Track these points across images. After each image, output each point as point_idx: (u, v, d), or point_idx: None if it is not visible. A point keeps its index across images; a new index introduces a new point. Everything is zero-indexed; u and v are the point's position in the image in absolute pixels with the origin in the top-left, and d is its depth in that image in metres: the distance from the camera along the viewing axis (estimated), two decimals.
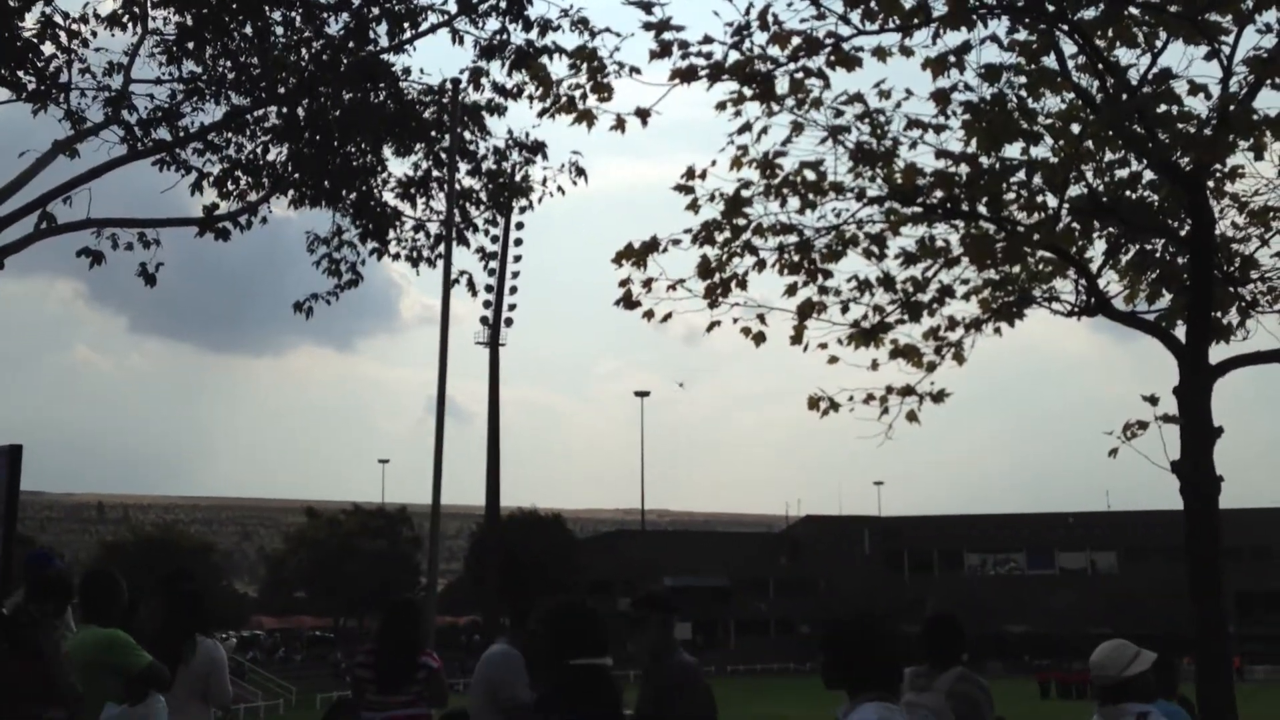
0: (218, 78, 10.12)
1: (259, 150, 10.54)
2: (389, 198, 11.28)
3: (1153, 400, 8.41)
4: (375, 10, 9.72)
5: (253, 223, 10.50)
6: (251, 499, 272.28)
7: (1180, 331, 8.38)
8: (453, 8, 9.81)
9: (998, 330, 9.50)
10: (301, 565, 74.65)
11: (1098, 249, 9.18)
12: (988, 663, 75.68)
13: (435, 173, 11.36)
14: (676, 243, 8.47)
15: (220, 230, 10.23)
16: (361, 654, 7.38)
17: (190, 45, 9.80)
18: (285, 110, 10.19)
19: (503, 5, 9.70)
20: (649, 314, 8.79)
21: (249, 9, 9.43)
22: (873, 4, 7.31)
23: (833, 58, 7.55)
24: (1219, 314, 8.85)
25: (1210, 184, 8.55)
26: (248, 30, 9.78)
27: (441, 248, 11.82)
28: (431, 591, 12.84)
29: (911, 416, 9.41)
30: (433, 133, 11.12)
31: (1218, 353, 8.46)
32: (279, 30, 9.99)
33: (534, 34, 9.83)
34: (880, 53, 7.86)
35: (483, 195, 11.63)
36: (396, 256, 11.55)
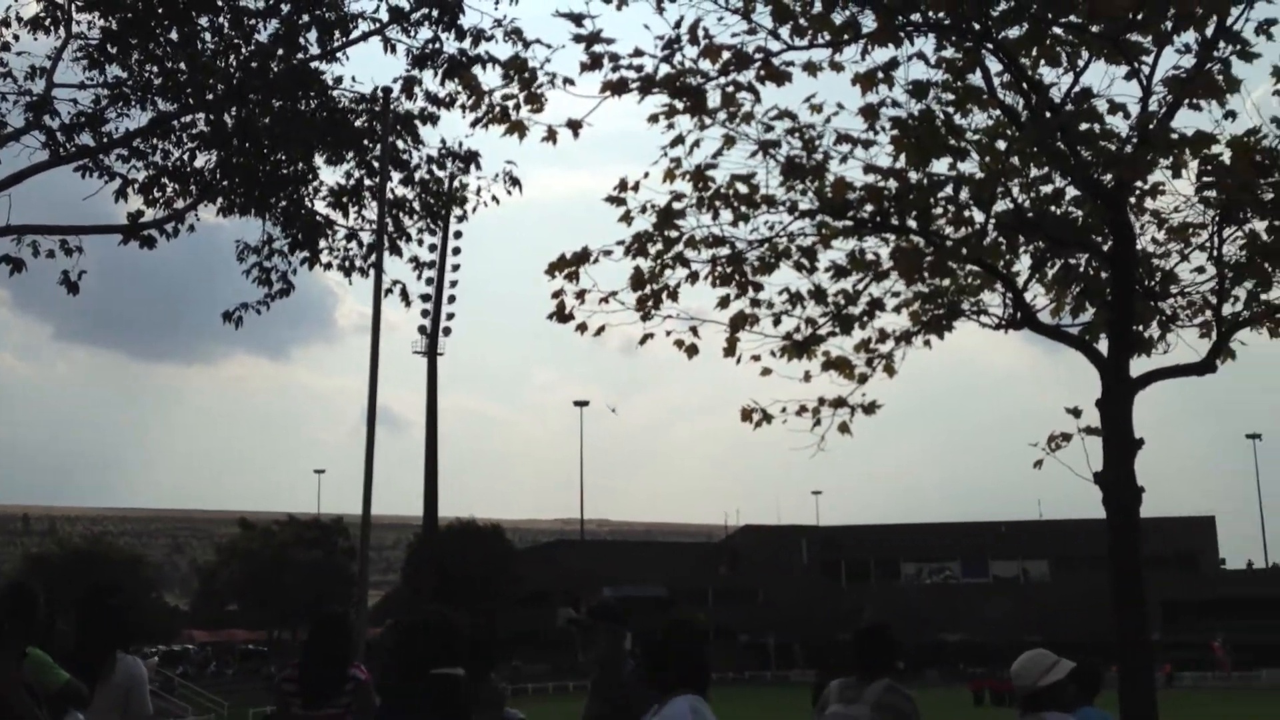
0: (143, 83, 9.93)
1: (186, 157, 10.36)
2: (321, 206, 11.16)
3: (1076, 413, 8.55)
4: (305, 18, 9.60)
5: (179, 230, 10.31)
6: (183, 510, 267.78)
7: (1103, 345, 8.53)
8: (384, 16, 9.73)
9: (927, 343, 9.62)
10: (234, 577, 73.42)
11: (1024, 263, 9.34)
12: (925, 671, 76.45)
13: (368, 181, 11.25)
14: (608, 254, 8.47)
15: (145, 238, 10.04)
16: (289, 667, 7.24)
17: (115, 50, 9.60)
18: (213, 117, 10.02)
19: (435, 14, 9.62)
20: (581, 327, 8.78)
21: (175, 14, 9.26)
22: (802, 21, 7.37)
23: (763, 72, 7.60)
24: (1140, 327, 9.02)
25: (1132, 200, 8.72)
26: (174, 36, 9.61)
27: (374, 257, 11.70)
28: (362, 603, 12.68)
29: (843, 428, 9.48)
30: (365, 141, 11.01)
31: (1139, 365, 8.64)
32: (206, 36, 9.83)
33: (467, 43, 9.78)
34: (811, 68, 7.93)
35: (416, 205, 11.53)
36: (329, 266, 11.42)
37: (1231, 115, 7.54)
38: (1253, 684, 65.71)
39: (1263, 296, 8.35)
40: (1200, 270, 8.87)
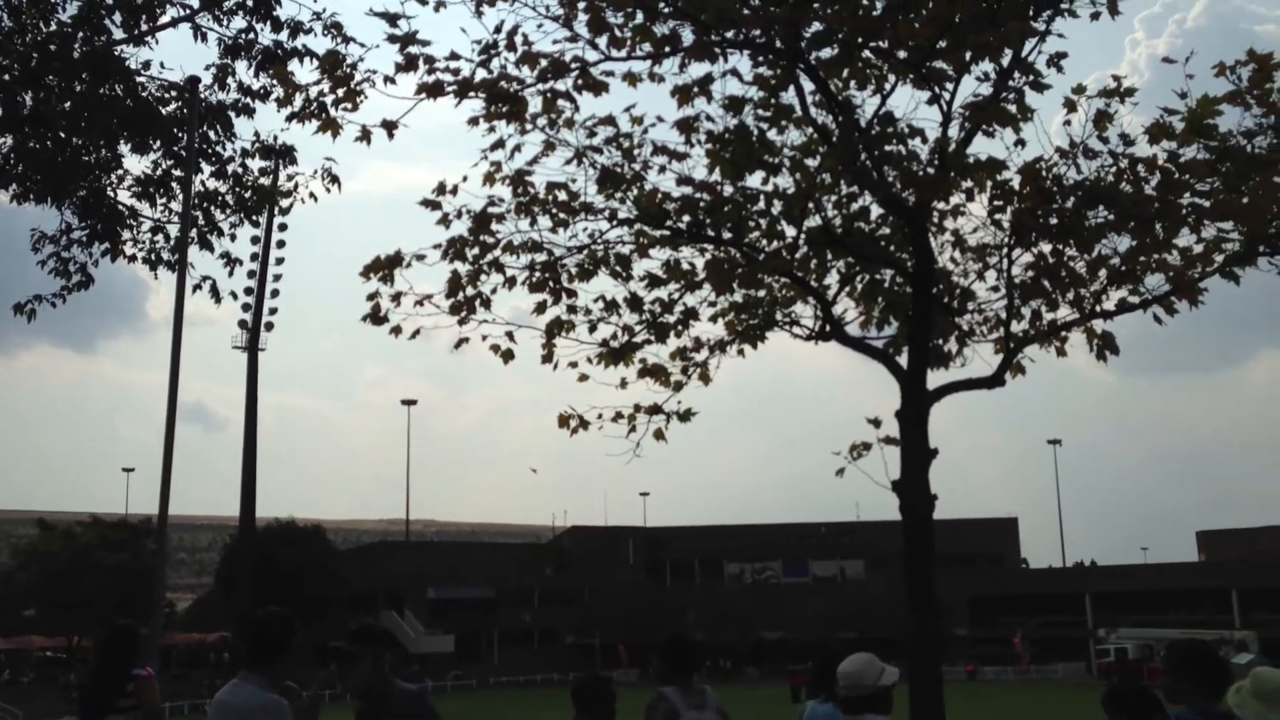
0: None
1: None
2: (125, 196, 10.64)
3: (875, 423, 8.90)
4: (109, 0, 9.16)
5: None
6: None
7: (905, 358, 8.88)
8: (195, 2, 9.35)
9: (741, 352, 9.84)
10: (31, 581, 69.50)
11: (834, 277, 9.65)
12: (746, 669, 78.11)
13: (176, 172, 10.79)
14: (421, 258, 8.39)
15: None
16: (77, 677, 7.14)
17: None
18: (6, 99, 9.46)
19: (249, 3, 9.31)
20: (396, 330, 8.67)
21: None
22: (619, 32, 7.45)
23: (580, 82, 7.65)
24: (940, 342, 9.43)
25: (934, 220, 9.12)
26: None
27: (179, 251, 11.24)
28: (158, 607, 12.17)
29: (659, 435, 9.59)
30: (175, 130, 10.56)
31: (937, 378, 9.03)
32: (2, 15, 9.27)
33: (284, 35, 9.48)
34: (631, 78, 8.03)
35: (229, 199, 11.12)
36: (132, 259, 10.90)
37: (1022, 143, 7.97)
38: (1049, 677, 69.41)
39: (1047, 316, 8.83)
40: (995, 289, 9.34)
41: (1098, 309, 8.67)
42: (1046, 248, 8.54)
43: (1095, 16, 7.53)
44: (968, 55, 7.68)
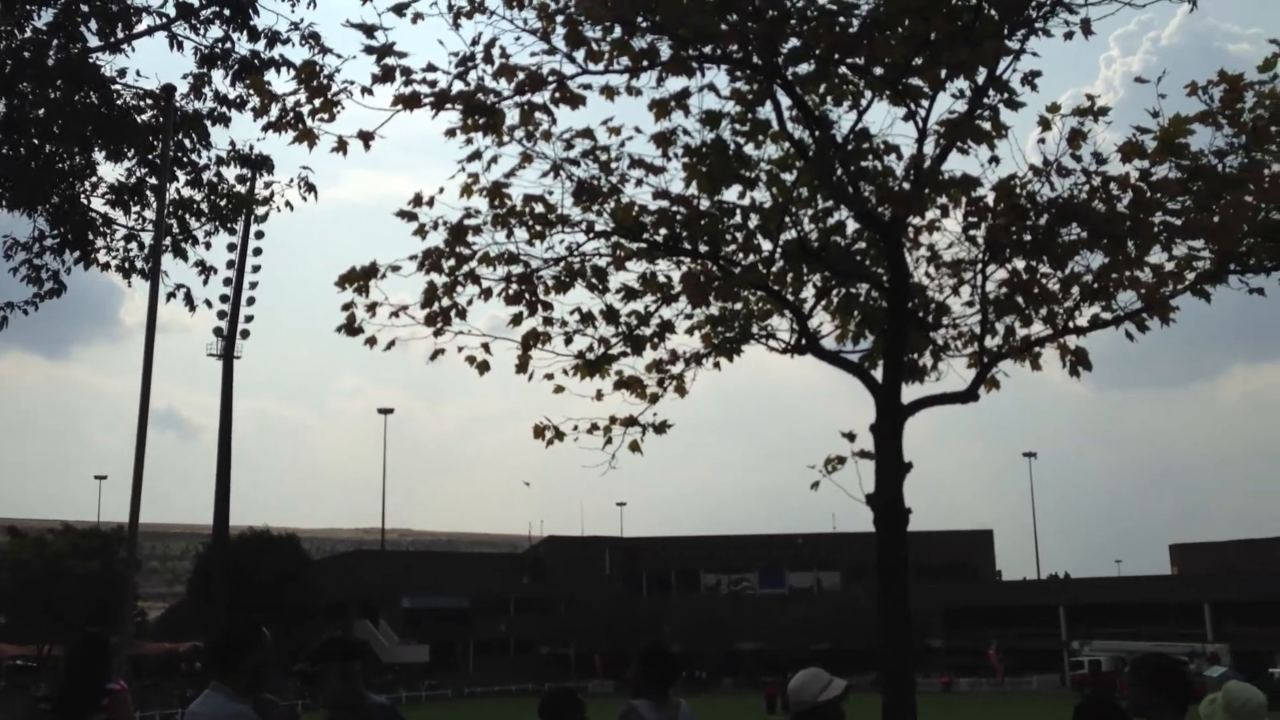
0: None
1: None
2: (100, 204, 10.58)
3: (850, 437, 8.93)
4: (85, 7, 9.11)
5: None
6: None
7: (880, 372, 8.91)
8: (171, 11, 9.31)
9: (717, 365, 9.86)
10: (2, 588, 68.91)
11: (810, 291, 9.68)
12: (722, 679, 78.14)
13: (151, 180, 10.74)
14: (396, 269, 8.38)
15: None
16: (47, 687, 7.07)
17: None
18: None
19: (226, 13, 9.28)
20: (371, 341, 8.65)
21: None
22: (593, 45, 7.47)
23: (557, 95, 7.66)
24: (915, 356, 9.48)
25: (909, 235, 9.17)
26: None
27: (153, 260, 11.18)
28: (128, 618, 12.09)
29: (634, 447, 9.60)
30: (150, 138, 10.50)
31: (912, 393, 9.07)
32: None
33: (261, 45, 9.45)
34: (609, 91, 8.05)
35: (204, 207, 11.07)
36: (106, 266, 10.82)
37: (996, 160, 8.03)
38: (1023, 689, 69.68)
39: (1020, 332, 8.88)
40: (970, 304, 9.39)
41: (1071, 325, 8.72)
42: (1020, 264, 8.60)
43: (1069, 36, 7.60)
44: (943, 73, 7.73)
